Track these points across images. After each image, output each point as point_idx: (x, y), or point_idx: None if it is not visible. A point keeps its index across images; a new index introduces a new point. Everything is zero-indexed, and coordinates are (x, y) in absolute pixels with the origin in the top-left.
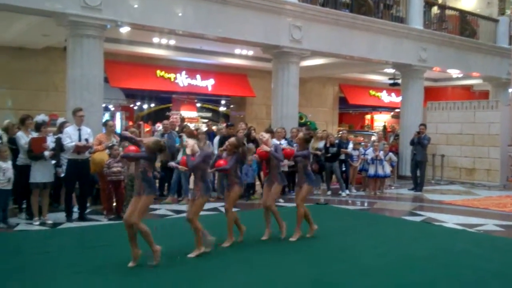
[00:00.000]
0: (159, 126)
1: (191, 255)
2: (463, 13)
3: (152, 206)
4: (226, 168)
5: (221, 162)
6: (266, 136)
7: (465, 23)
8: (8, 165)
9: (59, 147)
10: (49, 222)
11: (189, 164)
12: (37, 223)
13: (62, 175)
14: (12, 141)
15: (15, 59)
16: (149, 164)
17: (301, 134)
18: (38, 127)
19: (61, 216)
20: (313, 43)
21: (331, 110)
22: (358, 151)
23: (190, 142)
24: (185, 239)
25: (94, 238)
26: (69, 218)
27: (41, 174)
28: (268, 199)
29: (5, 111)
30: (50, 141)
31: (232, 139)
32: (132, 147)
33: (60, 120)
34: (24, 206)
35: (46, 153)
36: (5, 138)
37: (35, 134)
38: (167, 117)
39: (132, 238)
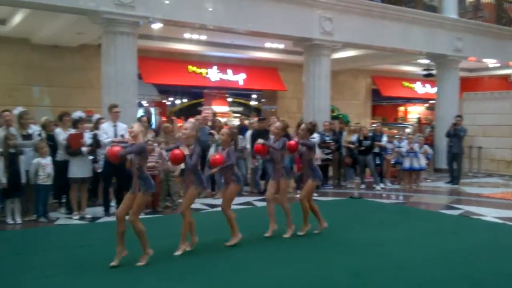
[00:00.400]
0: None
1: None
2: (499, 1)
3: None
4: (228, 164)
5: (217, 157)
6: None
7: (502, 11)
8: (47, 161)
9: (96, 143)
10: (88, 216)
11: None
12: (76, 217)
13: (100, 170)
14: (50, 138)
15: (51, 57)
16: (143, 160)
17: (303, 125)
18: (75, 123)
19: (99, 210)
20: (344, 35)
21: (363, 103)
22: (393, 144)
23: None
24: (221, 233)
25: (131, 231)
26: (107, 212)
27: (79, 169)
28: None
29: (43, 108)
30: (87, 137)
31: (225, 130)
32: (116, 147)
33: (96, 116)
34: (63, 201)
35: (84, 149)
36: (43, 135)
37: (72, 131)
38: (199, 112)
39: (120, 235)
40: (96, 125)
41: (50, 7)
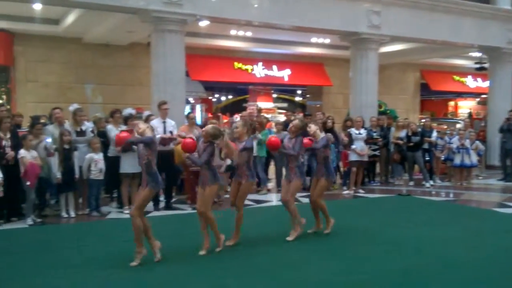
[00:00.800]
0: (237, 117)
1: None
2: None
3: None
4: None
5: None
6: (314, 128)
7: None
8: (99, 156)
9: None
10: None
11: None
12: (127, 211)
13: None
14: (102, 134)
15: (102, 55)
16: (152, 154)
17: (313, 126)
18: (126, 120)
19: (148, 205)
20: (392, 28)
21: (412, 98)
22: (443, 140)
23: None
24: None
25: (180, 226)
26: (156, 207)
27: (130, 165)
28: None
29: (94, 105)
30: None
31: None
32: (125, 133)
33: (147, 113)
34: (115, 195)
35: (134, 146)
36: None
37: (123, 127)
38: (244, 109)
39: (146, 231)
40: (146, 121)
41: (102, 7)
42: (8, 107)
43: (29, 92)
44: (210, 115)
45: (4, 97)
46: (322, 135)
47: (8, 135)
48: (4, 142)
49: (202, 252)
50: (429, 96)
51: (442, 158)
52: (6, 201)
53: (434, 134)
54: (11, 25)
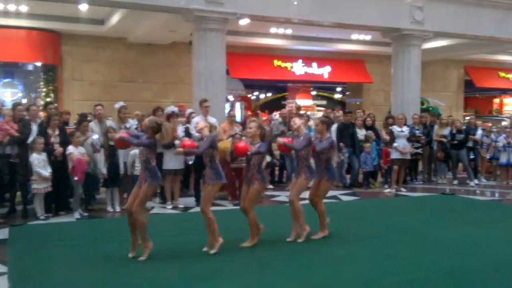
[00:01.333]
0: (275, 115)
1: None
2: None
3: (271, 193)
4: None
5: (241, 145)
6: (298, 122)
7: None
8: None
9: (188, 136)
10: (181, 206)
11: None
12: (170, 207)
13: (191, 162)
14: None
15: (145, 54)
16: (151, 152)
17: (318, 121)
18: (168, 118)
19: (190, 200)
20: (436, 24)
21: (455, 95)
22: (489, 138)
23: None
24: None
25: (220, 221)
26: (198, 202)
27: (172, 161)
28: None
29: (137, 103)
30: (180, 131)
31: (146, 121)
32: (125, 134)
33: (189, 111)
34: (158, 191)
35: (177, 142)
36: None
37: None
38: (283, 106)
39: (132, 228)
40: (188, 119)
41: (145, 7)
42: (56, 105)
43: (76, 90)
44: (249, 113)
45: (52, 95)
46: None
47: (57, 132)
48: (52, 139)
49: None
50: (473, 93)
51: (488, 157)
52: (55, 196)
53: (479, 132)
54: (58, 26)
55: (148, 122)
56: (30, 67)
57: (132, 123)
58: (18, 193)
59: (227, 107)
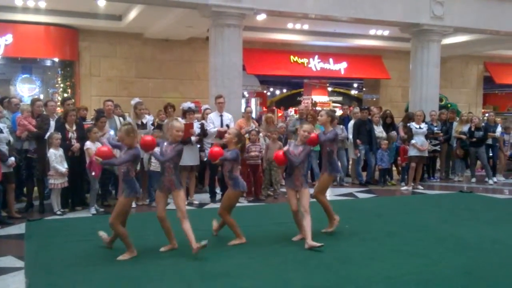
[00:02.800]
0: (291, 111)
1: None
2: None
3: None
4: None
5: (216, 150)
6: (308, 128)
7: None
8: (158, 149)
9: (203, 132)
10: (196, 202)
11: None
12: (185, 203)
13: (206, 159)
14: (160, 127)
15: (162, 50)
16: (132, 165)
17: (323, 112)
18: (185, 113)
19: (205, 197)
20: (456, 19)
21: (474, 91)
22: (509, 135)
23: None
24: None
25: (237, 219)
26: (213, 199)
27: (188, 157)
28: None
29: (154, 99)
30: (196, 127)
31: (233, 129)
32: (104, 148)
33: (204, 107)
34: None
35: (193, 138)
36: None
37: (182, 121)
38: (299, 102)
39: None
40: (203, 115)
41: (163, 2)
42: (73, 100)
43: (93, 86)
44: (264, 109)
45: (69, 91)
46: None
47: (74, 128)
48: (70, 134)
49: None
50: (492, 90)
51: (508, 154)
52: (71, 191)
53: (499, 129)
54: (76, 22)
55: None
56: (48, 63)
57: (149, 118)
58: (35, 188)
59: (243, 103)
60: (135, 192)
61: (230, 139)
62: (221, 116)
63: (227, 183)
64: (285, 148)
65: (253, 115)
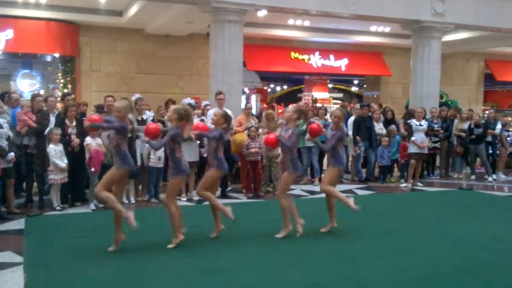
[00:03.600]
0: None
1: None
2: None
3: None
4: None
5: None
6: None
7: None
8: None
9: None
10: (195, 198)
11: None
12: (184, 199)
13: (206, 155)
14: (162, 123)
15: (162, 46)
16: (122, 138)
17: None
18: None
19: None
20: (457, 16)
21: (475, 88)
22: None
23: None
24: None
25: (236, 215)
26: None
27: (187, 154)
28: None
29: (154, 95)
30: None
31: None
32: (95, 117)
33: (204, 103)
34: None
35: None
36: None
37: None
38: (300, 99)
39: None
40: (203, 111)
41: None
42: (73, 96)
43: (93, 81)
44: (265, 105)
45: (70, 86)
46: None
47: (74, 123)
48: (70, 130)
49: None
50: (493, 87)
51: (508, 152)
52: (71, 186)
53: (499, 126)
54: (77, 17)
55: (223, 111)
56: (49, 58)
57: (149, 115)
58: (35, 184)
59: (243, 99)
60: (128, 165)
61: (217, 120)
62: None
63: (210, 163)
64: (277, 133)
65: (254, 112)
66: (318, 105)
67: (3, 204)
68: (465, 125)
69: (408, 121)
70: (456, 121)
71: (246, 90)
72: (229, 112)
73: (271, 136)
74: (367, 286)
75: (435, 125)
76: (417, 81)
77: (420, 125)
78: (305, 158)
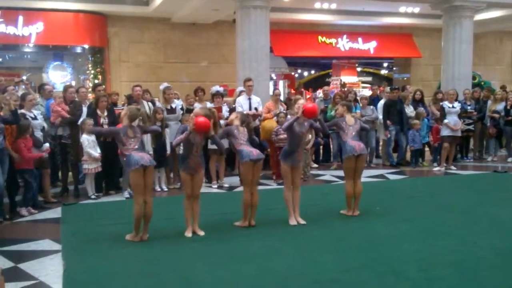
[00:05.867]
0: (320, 93)
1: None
2: None
3: (317, 172)
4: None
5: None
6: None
7: None
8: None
9: None
10: (226, 185)
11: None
12: (215, 186)
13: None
14: (191, 111)
15: (189, 34)
16: (118, 142)
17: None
18: (213, 97)
19: (235, 180)
20: None
21: (509, 68)
22: None
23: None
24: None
25: (266, 201)
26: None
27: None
28: None
29: (182, 83)
30: (225, 111)
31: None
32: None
33: (239, 89)
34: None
35: (222, 121)
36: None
37: (211, 105)
38: (328, 83)
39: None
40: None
41: None
42: (104, 86)
43: (123, 71)
44: (293, 91)
45: (100, 77)
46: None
47: (106, 113)
48: (102, 120)
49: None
50: None
51: None
52: (105, 175)
53: None
54: (105, 8)
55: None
56: (79, 50)
57: (177, 103)
58: (70, 173)
59: (271, 85)
60: (130, 166)
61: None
62: (249, 99)
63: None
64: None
65: (281, 98)
66: (347, 88)
67: (40, 193)
68: (499, 107)
69: (441, 103)
70: (489, 102)
71: (274, 76)
72: (258, 99)
73: (309, 105)
74: (400, 271)
75: (468, 107)
76: (449, 63)
77: (453, 107)
78: (334, 144)
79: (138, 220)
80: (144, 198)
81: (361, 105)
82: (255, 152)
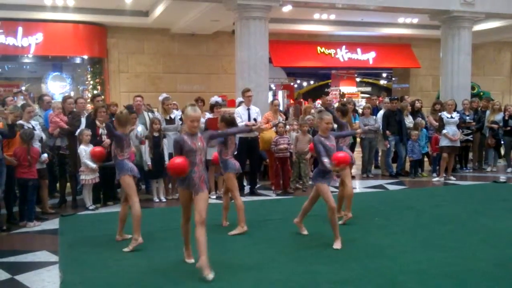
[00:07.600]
0: (319, 103)
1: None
2: None
3: None
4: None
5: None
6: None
7: None
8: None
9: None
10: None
11: None
12: (214, 197)
13: (235, 153)
14: None
15: (188, 45)
16: (116, 147)
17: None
18: (212, 108)
19: None
20: (487, 5)
21: (508, 78)
22: None
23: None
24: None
25: (265, 212)
26: (240, 192)
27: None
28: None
29: (181, 94)
30: None
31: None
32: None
33: (239, 100)
34: None
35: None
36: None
37: (209, 115)
38: (327, 94)
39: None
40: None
41: None
42: (103, 97)
43: (122, 82)
44: (292, 101)
45: (99, 87)
46: None
47: (104, 124)
48: (100, 130)
49: None
50: None
51: None
52: (103, 186)
53: None
54: (104, 19)
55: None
56: (78, 60)
57: (177, 114)
58: (68, 184)
59: (270, 96)
60: (124, 171)
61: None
62: (248, 109)
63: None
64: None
65: (280, 108)
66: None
67: (38, 204)
68: (498, 117)
69: (440, 114)
70: (488, 112)
71: (273, 86)
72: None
73: (340, 155)
74: (399, 282)
75: (467, 117)
76: (448, 73)
77: (452, 117)
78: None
79: (138, 219)
80: (137, 198)
81: (362, 114)
82: (237, 165)
